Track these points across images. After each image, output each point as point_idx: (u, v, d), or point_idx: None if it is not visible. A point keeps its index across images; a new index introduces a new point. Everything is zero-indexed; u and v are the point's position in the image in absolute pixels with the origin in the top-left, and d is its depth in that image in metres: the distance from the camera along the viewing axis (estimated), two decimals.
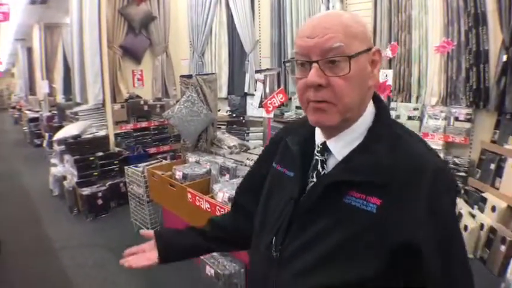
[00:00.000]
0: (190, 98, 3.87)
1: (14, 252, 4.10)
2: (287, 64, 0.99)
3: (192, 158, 3.89)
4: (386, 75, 3.24)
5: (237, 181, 3.17)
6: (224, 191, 2.94)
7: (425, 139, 4.14)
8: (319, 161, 0.96)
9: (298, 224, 0.94)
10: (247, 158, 3.61)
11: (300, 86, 0.90)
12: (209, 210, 2.96)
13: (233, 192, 2.87)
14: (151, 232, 1.32)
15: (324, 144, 0.96)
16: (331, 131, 0.94)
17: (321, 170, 0.96)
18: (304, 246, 0.91)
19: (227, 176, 3.34)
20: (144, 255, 1.26)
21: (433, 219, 0.81)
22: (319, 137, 0.99)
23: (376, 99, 0.96)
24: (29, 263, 3.90)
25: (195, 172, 3.48)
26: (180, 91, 4.36)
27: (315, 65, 0.85)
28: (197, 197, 3.10)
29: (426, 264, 0.81)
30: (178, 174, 3.51)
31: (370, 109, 0.94)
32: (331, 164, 0.96)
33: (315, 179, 0.97)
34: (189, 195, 3.20)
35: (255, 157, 3.70)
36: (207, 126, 4.01)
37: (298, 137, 1.04)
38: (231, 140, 4.05)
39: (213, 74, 4.20)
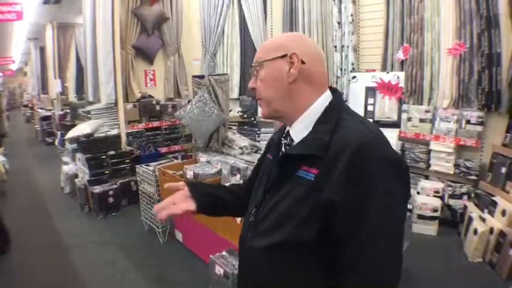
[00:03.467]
0: (202, 99, 3.90)
1: (24, 248, 4.16)
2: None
3: (203, 157, 3.93)
4: (398, 77, 3.25)
5: None
6: None
7: (436, 142, 4.20)
8: (283, 144, 1.22)
9: (269, 195, 1.16)
10: (258, 159, 3.63)
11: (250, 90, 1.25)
12: None
13: None
14: (179, 184, 1.45)
15: (288, 131, 1.21)
16: (288, 121, 1.18)
17: (283, 150, 1.21)
18: (267, 212, 1.13)
19: (238, 176, 3.36)
20: (178, 205, 1.34)
21: (349, 184, 0.95)
22: (288, 127, 1.22)
23: (332, 91, 1.17)
24: (39, 259, 3.95)
25: (206, 172, 3.51)
26: (192, 91, 4.39)
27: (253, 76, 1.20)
28: None
29: (336, 221, 0.97)
30: (189, 174, 3.54)
31: (321, 100, 1.13)
32: None
33: None
34: None
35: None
36: (219, 127, 4.05)
37: (280, 130, 1.32)
38: (242, 141, 4.07)
39: (225, 74, 4.24)
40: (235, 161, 3.60)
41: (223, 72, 6.84)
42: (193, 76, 4.20)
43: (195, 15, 7.39)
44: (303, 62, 1.10)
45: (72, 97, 10.93)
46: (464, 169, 4.23)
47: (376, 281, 0.95)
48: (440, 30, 4.31)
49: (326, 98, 1.14)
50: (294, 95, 1.13)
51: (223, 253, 2.95)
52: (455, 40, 4.16)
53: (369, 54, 5.07)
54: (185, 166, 3.69)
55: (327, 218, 0.97)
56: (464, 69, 4.15)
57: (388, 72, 3.48)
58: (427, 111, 4.47)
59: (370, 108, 3.36)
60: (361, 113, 3.39)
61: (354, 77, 3.52)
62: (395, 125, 3.33)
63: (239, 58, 6.83)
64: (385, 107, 3.30)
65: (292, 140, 1.17)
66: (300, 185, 1.04)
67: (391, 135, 3.25)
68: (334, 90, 1.19)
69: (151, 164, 4.30)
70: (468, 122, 4.16)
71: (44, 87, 14.70)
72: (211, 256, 2.94)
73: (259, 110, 1.27)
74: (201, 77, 4.08)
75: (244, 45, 6.74)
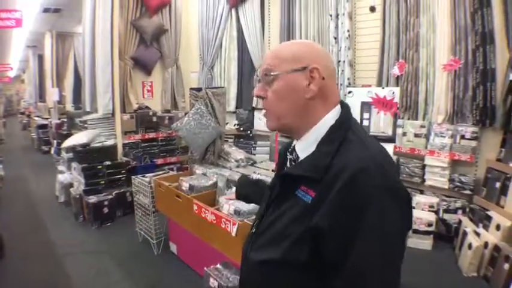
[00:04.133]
0: (199, 111, 3.92)
1: (18, 258, 4.14)
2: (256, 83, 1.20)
3: (199, 170, 3.93)
4: (393, 93, 3.28)
5: None
6: (230, 204, 2.96)
7: (431, 157, 4.22)
8: (288, 159, 1.18)
9: (271, 209, 1.14)
10: (254, 172, 3.64)
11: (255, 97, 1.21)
12: (214, 222, 2.99)
13: (239, 205, 2.91)
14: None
15: (294, 146, 1.16)
16: (295, 136, 1.14)
17: (288, 165, 1.18)
18: (266, 227, 1.12)
19: (233, 189, 3.36)
20: None
21: (339, 212, 0.92)
22: (295, 141, 1.18)
23: (342, 107, 1.12)
24: (32, 269, 3.92)
25: (202, 184, 3.51)
26: (189, 103, 4.41)
27: (260, 82, 1.13)
28: (203, 209, 3.14)
29: (325, 248, 0.94)
30: (185, 186, 3.54)
31: (330, 116, 1.08)
32: None
33: None
34: (195, 207, 3.23)
35: (262, 171, 3.73)
36: (215, 139, 4.06)
37: (286, 143, 1.28)
38: (238, 154, 4.09)
39: (222, 87, 4.27)
40: (231, 174, 3.61)
41: (220, 85, 6.88)
42: (191, 88, 4.23)
43: (193, 27, 7.47)
44: (322, 78, 1.06)
45: (69, 106, 10.95)
46: (458, 184, 4.24)
47: None
48: (436, 46, 4.36)
49: (334, 114, 1.09)
50: (308, 111, 1.08)
51: (218, 266, 2.95)
52: (451, 56, 4.20)
53: (364, 70, 5.12)
54: (180, 178, 3.69)
55: (317, 243, 0.94)
56: (459, 85, 4.19)
57: (383, 88, 3.51)
58: (422, 126, 4.49)
59: (365, 123, 3.38)
60: None
61: (349, 92, 3.54)
62: (390, 140, 3.35)
63: (236, 71, 6.88)
64: (380, 122, 3.32)
65: (297, 157, 1.12)
66: (297, 205, 1.02)
67: None
68: (342, 104, 1.13)
69: (147, 175, 4.29)
70: (463, 137, 4.19)
71: (41, 95, 14.74)
72: (205, 269, 2.93)
73: (256, 122, 1.24)
74: (199, 89, 4.11)
75: (242, 59, 6.79)
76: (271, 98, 1.09)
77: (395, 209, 0.93)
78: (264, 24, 6.39)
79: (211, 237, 3.15)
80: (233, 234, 2.77)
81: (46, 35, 11.25)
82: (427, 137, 4.48)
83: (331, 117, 1.08)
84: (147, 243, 4.27)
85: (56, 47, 11.27)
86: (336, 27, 5.17)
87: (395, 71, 4.67)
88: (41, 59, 13.95)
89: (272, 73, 1.08)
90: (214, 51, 7.03)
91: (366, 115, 3.39)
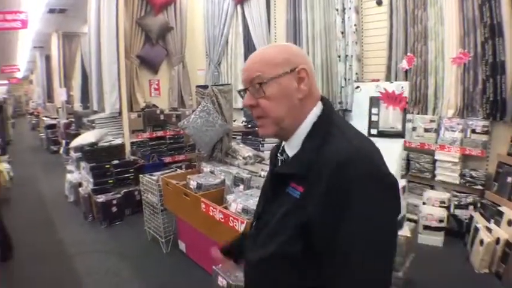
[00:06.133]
0: (205, 108, 3.90)
1: (27, 257, 4.16)
2: (241, 92, 1.19)
3: (206, 168, 3.92)
4: (402, 87, 3.23)
5: (251, 192, 3.17)
6: (238, 202, 2.94)
7: (441, 151, 4.18)
8: (279, 160, 1.22)
9: (266, 208, 1.18)
10: (262, 169, 3.62)
11: (245, 107, 1.19)
12: (222, 220, 2.98)
13: (247, 203, 2.88)
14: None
15: (283, 147, 1.20)
16: (282, 137, 1.18)
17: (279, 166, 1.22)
18: (262, 226, 1.16)
19: (241, 186, 3.35)
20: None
21: (326, 204, 0.95)
22: (283, 143, 1.22)
23: (324, 103, 1.15)
24: (42, 268, 3.94)
25: (209, 182, 3.50)
26: (196, 101, 4.39)
27: (247, 91, 1.12)
28: (211, 207, 3.12)
29: (315, 240, 0.97)
30: (193, 184, 3.53)
31: (313, 113, 1.12)
32: None
33: None
34: (203, 205, 3.22)
35: None
36: (222, 137, 4.04)
37: (274, 147, 1.33)
38: (245, 151, 4.06)
39: (229, 84, 4.23)
40: (238, 171, 3.59)
41: (227, 82, 6.85)
42: (197, 86, 4.21)
43: (199, 25, 7.46)
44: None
45: (77, 106, 11.00)
46: (469, 179, 4.18)
47: None
48: (444, 39, 4.31)
49: (317, 110, 1.12)
50: (299, 111, 1.10)
51: None
52: (459, 49, 4.14)
53: (372, 64, 5.07)
54: (188, 176, 3.69)
55: (308, 234, 0.98)
56: (469, 78, 4.13)
57: (391, 82, 3.47)
58: (431, 121, 4.44)
59: (374, 118, 3.34)
60: (365, 123, 3.37)
61: (357, 87, 3.51)
62: (400, 135, 3.31)
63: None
64: (389, 117, 3.28)
65: (288, 156, 1.16)
66: (288, 201, 1.06)
67: (395, 146, 3.23)
68: (324, 100, 1.17)
69: (155, 173, 4.29)
70: (473, 131, 4.13)
71: (49, 95, 14.80)
72: (214, 267, 2.92)
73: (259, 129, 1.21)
74: (205, 87, 4.09)
75: (248, 55, 6.69)
76: (266, 105, 1.09)
77: (380, 196, 0.96)
78: (270, 19, 6.35)
79: (219, 235, 3.13)
80: (241, 231, 2.75)
81: (52, 36, 11.28)
82: (437, 131, 4.42)
83: (313, 114, 1.12)
84: (156, 242, 4.27)
85: (63, 47, 11.31)
86: (343, 21, 5.11)
87: (404, 64, 4.61)
88: (48, 59, 14.01)
89: (264, 80, 1.08)
90: (221, 48, 7.02)
91: (374, 110, 3.34)
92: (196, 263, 3.84)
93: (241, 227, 2.77)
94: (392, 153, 3.12)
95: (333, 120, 1.10)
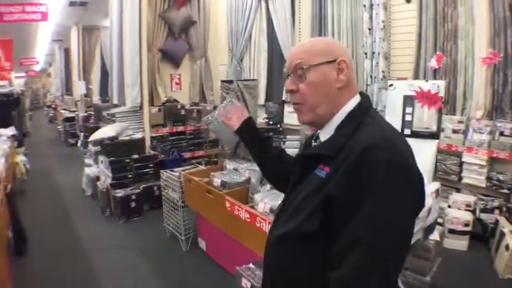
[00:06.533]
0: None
1: (42, 251, 4.11)
2: (285, 78, 1.27)
3: (229, 165, 3.83)
4: (438, 86, 3.10)
5: (278, 191, 3.06)
6: (265, 202, 2.84)
7: (468, 154, 4.05)
8: (312, 145, 1.30)
9: (293, 190, 1.23)
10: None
11: (287, 92, 1.36)
12: (248, 220, 2.88)
13: (275, 203, 2.78)
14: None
15: (318, 134, 1.27)
16: (318, 126, 1.24)
17: None
18: (287, 207, 1.21)
19: (268, 185, 3.24)
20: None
21: (348, 182, 0.99)
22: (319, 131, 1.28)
23: (362, 96, 1.21)
24: (57, 262, 3.89)
25: (234, 180, 3.41)
26: (220, 96, 4.30)
27: (289, 76, 1.22)
28: (236, 206, 3.02)
29: (334, 215, 1.02)
30: (217, 181, 3.44)
31: (351, 104, 1.18)
32: None
33: None
34: (228, 204, 3.12)
35: None
36: None
37: (310, 134, 1.41)
38: None
39: (255, 80, 4.15)
40: None
41: (249, 78, 6.76)
42: (222, 81, 4.13)
43: (222, 19, 7.37)
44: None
45: (96, 99, 11.02)
46: (496, 182, 4.05)
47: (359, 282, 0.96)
48: (475, 38, 4.16)
49: (354, 102, 1.18)
50: (336, 100, 1.17)
51: (250, 265, 2.82)
52: (490, 49, 4.00)
53: (400, 62, 4.92)
54: (212, 173, 3.59)
55: (329, 212, 1.02)
56: (499, 79, 4.00)
57: (427, 81, 3.33)
58: (460, 122, 4.30)
59: (408, 117, 3.21)
60: (399, 122, 3.25)
61: (391, 85, 3.37)
62: (433, 135, 3.18)
63: (266, 63, 6.75)
64: (424, 117, 3.15)
65: (320, 142, 1.22)
66: (313, 181, 1.11)
67: (429, 146, 3.11)
68: (362, 94, 1.23)
69: (176, 169, 4.21)
70: (502, 133, 4.00)
71: (67, 88, 14.88)
72: (237, 268, 2.81)
73: (286, 115, 1.20)
74: (230, 81, 4.00)
75: (272, 51, 6.66)
76: (305, 90, 1.16)
77: (403, 185, 0.98)
78: (295, 15, 6.20)
79: (244, 236, 3.04)
80: (266, 231, 2.65)
81: (72, 29, 11.27)
82: (465, 133, 4.28)
83: (351, 104, 1.17)
84: (175, 239, 4.18)
85: (83, 41, 11.30)
86: (370, 18, 4.96)
87: (433, 63, 4.47)
88: (67, 52, 14.07)
89: (305, 66, 1.15)
90: (244, 43, 6.90)
91: (408, 109, 3.22)
92: (216, 262, 3.75)
93: (268, 228, 2.66)
94: (425, 154, 3.01)
95: (368, 112, 1.16)
